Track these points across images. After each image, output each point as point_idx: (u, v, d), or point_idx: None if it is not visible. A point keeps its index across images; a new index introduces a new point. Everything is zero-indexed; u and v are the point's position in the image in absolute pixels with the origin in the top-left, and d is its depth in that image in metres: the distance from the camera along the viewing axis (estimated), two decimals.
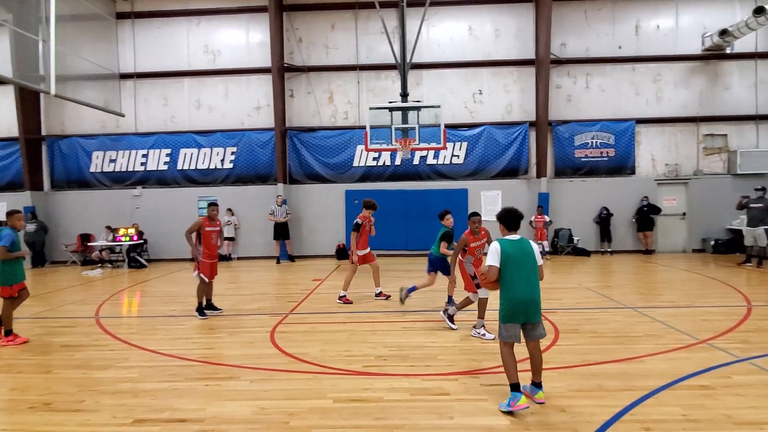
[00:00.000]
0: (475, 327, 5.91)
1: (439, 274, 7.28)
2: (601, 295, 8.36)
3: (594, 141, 14.77)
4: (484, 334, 5.75)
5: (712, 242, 14.23)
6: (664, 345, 5.37)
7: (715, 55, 14.54)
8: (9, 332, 6.01)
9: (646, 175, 14.88)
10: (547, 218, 13.71)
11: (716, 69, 14.70)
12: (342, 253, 14.59)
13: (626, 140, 14.72)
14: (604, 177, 14.82)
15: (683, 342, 5.47)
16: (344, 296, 8.08)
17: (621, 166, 14.81)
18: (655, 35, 14.69)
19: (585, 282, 9.82)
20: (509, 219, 4.05)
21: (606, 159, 14.81)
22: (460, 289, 6.46)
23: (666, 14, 14.66)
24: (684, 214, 14.83)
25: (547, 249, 13.77)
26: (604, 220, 14.43)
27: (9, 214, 6.18)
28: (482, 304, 5.84)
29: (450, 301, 6.97)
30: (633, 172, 14.82)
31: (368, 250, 8.22)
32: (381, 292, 8.34)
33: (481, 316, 5.87)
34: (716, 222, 14.47)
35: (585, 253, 14.30)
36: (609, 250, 14.46)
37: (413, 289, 7.37)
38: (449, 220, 7.15)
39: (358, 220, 7.97)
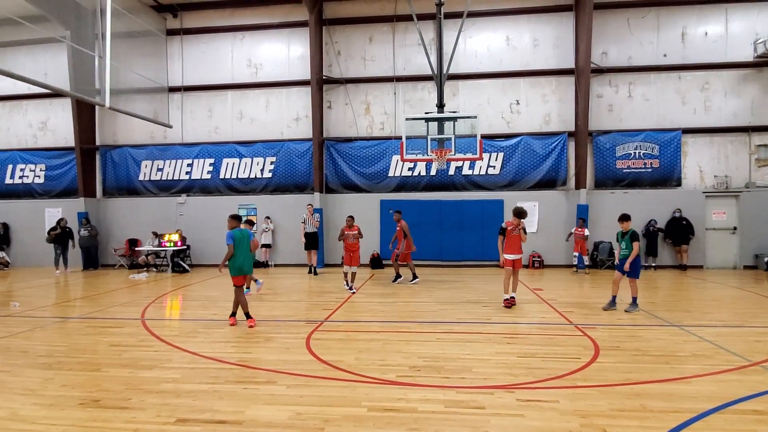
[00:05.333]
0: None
1: None
2: (644, 311, 8.04)
3: (637, 151, 14.29)
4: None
5: (766, 258, 13.44)
6: (713, 366, 5.12)
7: None
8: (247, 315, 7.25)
9: (694, 186, 14.25)
10: (586, 231, 13.28)
11: None
12: (376, 262, 14.66)
13: (672, 151, 14.17)
14: (648, 189, 14.30)
15: (734, 363, 5.19)
16: (507, 299, 8.38)
17: (666, 177, 14.26)
18: (702, 42, 14.14)
19: (626, 298, 9.45)
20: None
21: (650, 170, 14.29)
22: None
23: (715, 21, 14.09)
24: (735, 228, 14.09)
25: (586, 263, 13.34)
26: (652, 234, 13.85)
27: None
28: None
29: None
30: (679, 184, 14.23)
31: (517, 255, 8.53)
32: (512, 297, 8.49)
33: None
34: None
35: None
36: (653, 264, 13.89)
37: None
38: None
39: (504, 225, 8.53)
